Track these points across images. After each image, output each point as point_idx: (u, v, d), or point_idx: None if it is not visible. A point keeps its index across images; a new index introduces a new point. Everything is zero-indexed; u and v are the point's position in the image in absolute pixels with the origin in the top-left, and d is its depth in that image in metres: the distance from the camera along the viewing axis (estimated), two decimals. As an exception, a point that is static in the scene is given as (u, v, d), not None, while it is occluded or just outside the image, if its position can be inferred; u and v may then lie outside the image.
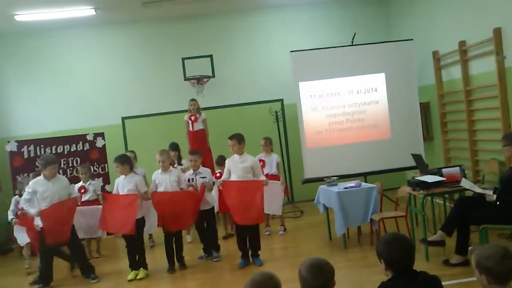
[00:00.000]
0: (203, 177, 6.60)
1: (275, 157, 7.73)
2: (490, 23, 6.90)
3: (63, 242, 6.25)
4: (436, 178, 5.64)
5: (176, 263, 6.44)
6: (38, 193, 6.08)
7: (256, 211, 6.19)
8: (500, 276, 2.50)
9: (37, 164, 8.30)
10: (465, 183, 5.49)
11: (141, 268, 6.35)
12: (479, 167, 7.50)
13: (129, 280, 6.20)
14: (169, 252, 6.43)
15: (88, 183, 7.31)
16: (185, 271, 6.34)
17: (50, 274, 6.25)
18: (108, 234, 7.51)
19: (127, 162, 6.43)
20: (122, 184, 6.36)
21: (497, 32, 6.80)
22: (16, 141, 8.58)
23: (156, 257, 6.96)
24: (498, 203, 5.02)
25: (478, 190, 5.36)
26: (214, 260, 6.54)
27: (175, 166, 7.75)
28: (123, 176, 6.40)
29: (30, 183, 6.23)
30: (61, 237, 6.12)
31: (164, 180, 6.36)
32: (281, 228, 7.81)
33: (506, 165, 6.10)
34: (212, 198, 6.79)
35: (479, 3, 7.27)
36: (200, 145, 8.27)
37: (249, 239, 6.35)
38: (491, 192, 5.17)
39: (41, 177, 6.19)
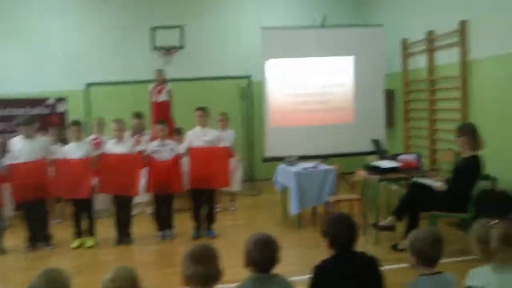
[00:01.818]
0: (170, 149, 6.43)
1: (230, 133, 7.71)
2: (457, 15, 6.99)
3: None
4: (392, 164, 5.74)
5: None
6: (15, 151, 6.12)
7: (223, 176, 6.30)
8: (427, 258, 2.67)
9: None
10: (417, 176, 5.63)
11: (90, 237, 6.28)
12: (436, 156, 7.67)
13: (74, 248, 6.12)
14: (118, 222, 6.35)
15: (55, 146, 7.17)
16: (135, 244, 6.28)
17: None
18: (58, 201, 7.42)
19: (82, 128, 6.43)
20: (73, 151, 6.25)
21: (463, 24, 6.89)
22: (-27, 101, 8.34)
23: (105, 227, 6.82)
24: (446, 191, 5.16)
25: (427, 182, 5.47)
26: (168, 238, 6.40)
27: (138, 135, 7.70)
28: (73, 143, 6.32)
29: (11, 142, 6.30)
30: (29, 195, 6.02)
31: (117, 151, 6.29)
32: (232, 204, 7.84)
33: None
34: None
35: (448, -7, 7.35)
36: (163, 116, 8.14)
37: (208, 209, 6.42)
38: (439, 184, 5.28)
39: (19, 137, 6.23)
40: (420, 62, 8.24)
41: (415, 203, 5.31)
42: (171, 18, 9.66)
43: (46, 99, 8.59)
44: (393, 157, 6.06)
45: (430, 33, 7.78)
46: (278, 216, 7.14)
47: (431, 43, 7.80)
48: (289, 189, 6.66)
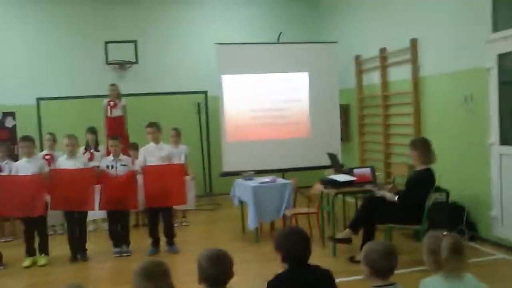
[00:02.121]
0: (123, 165, 6.28)
1: (183, 149, 7.61)
2: (408, 33, 7.21)
3: None
4: (347, 178, 5.81)
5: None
6: None
7: (179, 193, 6.20)
8: (379, 270, 2.68)
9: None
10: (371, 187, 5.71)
11: (42, 255, 6.06)
12: (390, 169, 7.82)
13: (26, 267, 5.89)
14: (71, 239, 6.16)
15: (5, 162, 6.89)
16: (90, 261, 6.11)
17: None
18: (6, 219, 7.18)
19: (34, 143, 6.23)
20: (25, 168, 6.02)
21: (414, 42, 7.12)
22: None
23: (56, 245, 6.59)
24: (399, 203, 5.26)
25: (381, 193, 5.56)
26: (124, 255, 6.22)
27: (91, 150, 7.54)
28: (25, 159, 6.10)
29: None
30: None
31: (70, 166, 6.11)
32: (185, 220, 7.76)
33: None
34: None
35: (399, 13, 7.58)
36: (117, 131, 8.00)
37: (165, 225, 6.33)
38: (394, 197, 5.38)
39: None
40: (373, 78, 8.43)
41: (370, 215, 5.37)
42: (125, 33, 9.57)
43: (-6, 113, 8.31)
44: (349, 171, 6.13)
45: (382, 50, 7.99)
46: (237, 231, 7.10)
47: (384, 60, 8.01)
48: (246, 203, 6.63)
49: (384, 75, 8.04)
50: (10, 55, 9.35)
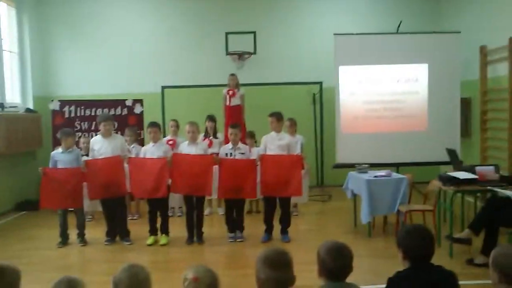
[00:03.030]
0: (241, 153, 6.45)
1: (299, 139, 7.68)
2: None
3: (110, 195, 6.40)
4: (468, 175, 5.55)
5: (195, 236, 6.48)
6: (95, 150, 6.47)
7: (295, 184, 6.24)
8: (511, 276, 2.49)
9: (75, 124, 8.62)
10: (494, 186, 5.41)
11: (163, 235, 6.47)
12: (515, 169, 7.34)
13: (148, 245, 6.35)
14: (189, 222, 6.47)
15: (132, 146, 7.50)
16: (205, 244, 6.40)
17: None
18: (132, 199, 7.75)
19: (160, 129, 6.63)
20: (151, 151, 6.46)
21: (550, 31, 6.57)
22: (59, 101, 8.86)
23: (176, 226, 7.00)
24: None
25: (507, 193, 5.25)
26: (238, 240, 6.44)
27: (210, 137, 7.86)
28: (151, 144, 6.52)
29: (90, 141, 6.74)
30: (104, 193, 6.34)
31: (191, 152, 6.38)
32: (295, 210, 7.80)
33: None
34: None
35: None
36: (235, 120, 8.28)
37: (281, 214, 6.44)
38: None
39: (98, 135, 6.63)
40: (500, 69, 7.92)
41: (494, 217, 5.10)
42: (245, 24, 9.84)
43: (125, 100, 8.95)
44: (470, 168, 5.85)
45: (512, 40, 7.48)
46: (348, 224, 7.08)
47: (513, 50, 7.49)
48: (360, 196, 6.59)
49: (512, 66, 7.53)
50: (138, 47, 10.05)
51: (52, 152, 6.59)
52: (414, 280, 2.71)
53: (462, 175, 5.60)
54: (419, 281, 2.70)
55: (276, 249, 2.64)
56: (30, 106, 9.39)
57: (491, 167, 5.90)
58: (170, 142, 7.44)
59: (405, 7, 10.04)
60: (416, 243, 2.77)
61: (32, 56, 9.56)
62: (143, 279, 2.45)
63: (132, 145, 7.55)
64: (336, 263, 2.60)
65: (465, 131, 8.88)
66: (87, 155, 6.85)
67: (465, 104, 8.84)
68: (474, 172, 5.70)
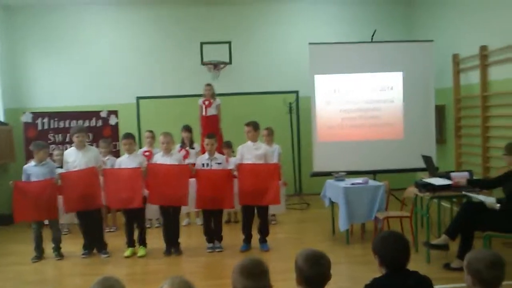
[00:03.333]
0: (218, 163, 6.44)
1: (276, 148, 7.72)
2: (512, 30, 6.82)
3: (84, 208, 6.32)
4: (443, 182, 5.61)
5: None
6: (69, 163, 6.37)
7: (273, 193, 6.25)
8: (484, 280, 2.56)
9: (49, 137, 8.48)
10: (468, 191, 5.47)
11: (141, 246, 6.40)
12: (489, 174, 7.45)
13: (126, 257, 6.26)
14: (167, 233, 6.42)
15: (107, 158, 7.40)
16: (184, 254, 6.34)
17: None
18: (109, 211, 7.67)
19: (135, 140, 6.59)
20: (125, 163, 6.39)
21: (519, 39, 6.72)
22: (31, 113, 8.70)
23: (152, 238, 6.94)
24: (501, 210, 5.01)
25: (479, 197, 5.32)
26: (217, 250, 6.40)
27: (187, 148, 7.82)
28: (126, 155, 6.46)
29: (64, 153, 6.63)
30: (80, 205, 6.24)
31: (165, 163, 6.35)
32: (273, 218, 7.82)
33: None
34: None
35: (503, 8, 7.18)
36: (212, 130, 8.26)
37: (259, 223, 6.42)
38: (493, 200, 5.13)
39: (72, 148, 6.54)
40: (472, 77, 8.06)
41: (469, 222, 5.16)
42: (220, 34, 9.83)
43: (99, 111, 8.85)
44: (445, 175, 5.92)
45: (483, 48, 7.62)
46: (326, 232, 7.08)
47: (484, 58, 7.63)
48: (337, 204, 6.61)
49: (484, 74, 7.66)
50: (112, 57, 9.95)
51: (25, 166, 6.46)
52: (389, 286, 2.75)
53: (437, 181, 5.66)
54: (395, 287, 2.72)
55: (252, 259, 2.62)
56: (1, 118, 9.20)
57: (466, 173, 5.97)
58: (146, 154, 7.38)
59: (379, 16, 10.17)
60: (391, 249, 2.80)
61: (2, 67, 9.37)
62: None
63: (107, 157, 7.46)
64: (314, 271, 2.61)
65: (440, 138, 9.00)
66: (61, 167, 6.73)
67: (440, 111, 8.97)
68: (449, 178, 5.76)
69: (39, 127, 8.57)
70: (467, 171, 6.13)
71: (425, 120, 8.66)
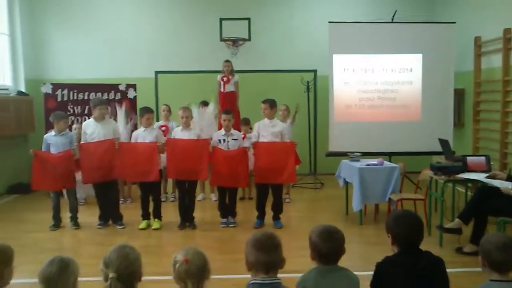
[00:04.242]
0: (234, 139, 6.45)
1: (290, 125, 7.85)
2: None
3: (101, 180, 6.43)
4: (478, 176, 5.48)
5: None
6: (87, 134, 6.46)
7: (288, 171, 6.30)
8: (495, 262, 2.59)
9: (68, 108, 8.56)
10: (477, 176, 5.41)
11: (156, 219, 6.48)
12: (507, 160, 7.39)
13: (141, 229, 6.37)
14: (182, 207, 6.50)
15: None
16: (198, 229, 6.41)
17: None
18: (125, 183, 7.81)
19: (152, 115, 6.60)
20: (142, 136, 6.44)
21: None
22: (51, 84, 8.77)
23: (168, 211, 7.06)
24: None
25: (495, 182, 5.27)
26: (230, 225, 6.48)
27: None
28: (142, 128, 6.52)
29: (83, 125, 6.70)
30: (98, 176, 6.36)
31: (184, 137, 6.37)
32: (287, 197, 7.86)
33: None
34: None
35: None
36: (229, 106, 8.29)
37: (273, 201, 6.47)
38: (509, 185, 5.09)
39: (91, 119, 6.60)
40: (494, 61, 7.95)
41: (483, 207, 5.14)
42: (239, 10, 9.77)
43: (118, 84, 8.90)
44: (461, 159, 5.88)
45: (507, 31, 7.49)
46: (340, 211, 7.12)
47: (507, 41, 7.50)
48: (352, 185, 6.62)
49: (506, 58, 7.54)
50: (131, 31, 9.99)
51: (45, 135, 6.56)
52: (401, 265, 2.75)
53: (474, 175, 5.48)
54: (407, 266, 2.72)
55: (265, 232, 2.66)
56: (22, 89, 9.33)
57: (482, 158, 5.93)
58: (163, 128, 7.45)
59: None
60: (404, 227, 2.80)
61: (24, 38, 9.47)
62: (133, 260, 2.45)
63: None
64: (328, 246, 2.64)
65: (458, 122, 8.93)
66: (78, 141, 6.81)
67: (459, 95, 8.88)
68: (465, 163, 5.73)
69: (59, 98, 8.63)
70: (484, 155, 6.08)
71: (443, 103, 8.60)
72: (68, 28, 9.92)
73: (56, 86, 8.70)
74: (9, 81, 9.30)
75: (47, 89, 8.65)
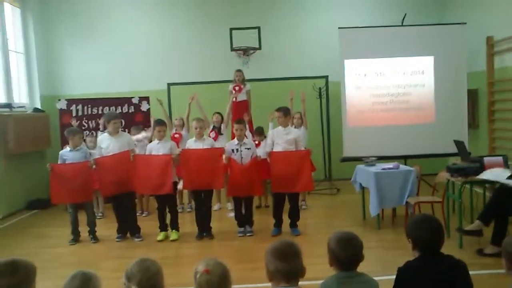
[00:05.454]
0: (247, 148, 6.47)
1: (304, 131, 7.87)
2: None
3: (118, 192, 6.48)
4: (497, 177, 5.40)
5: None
6: (103, 148, 6.52)
7: (305, 179, 6.32)
8: None
9: (83, 123, 8.65)
10: (490, 175, 5.34)
11: (173, 230, 6.52)
12: (524, 159, 7.31)
13: (159, 241, 6.40)
14: (199, 217, 6.53)
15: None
16: (215, 239, 6.44)
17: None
18: (142, 196, 7.86)
19: (165, 127, 6.67)
20: (156, 149, 6.49)
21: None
22: (66, 100, 8.89)
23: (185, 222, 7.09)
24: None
25: (503, 181, 5.20)
26: (248, 234, 6.50)
27: (216, 131, 7.89)
28: (156, 141, 6.56)
29: (98, 139, 6.79)
30: (115, 188, 6.41)
31: (198, 148, 6.42)
32: (303, 203, 7.85)
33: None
34: None
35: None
36: (242, 115, 8.32)
37: (290, 208, 6.48)
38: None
39: (105, 133, 6.66)
40: (507, 60, 7.90)
41: (503, 207, 5.09)
42: (249, 19, 9.83)
43: (131, 98, 8.98)
44: (478, 160, 5.83)
45: (518, 30, 7.45)
46: (357, 217, 7.10)
47: (519, 40, 7.46)
48: (368, 189, 6.60)
49: (519, 57, 7.51)
50: (143, 44, 10.11)
51: (61, 151, 6.65)
52: (423, 269, 2.73)
53: (495, 176, 5.38)
54: (429, 270, 2.71)
55: (284, 241, 2.66)
56: (38, 105, 9.46)
57: (499, 158, 5.87)
58: (176, 136, 7.53)
59: (410, -1, 10.02)
60: (424, 232, 2.79)
61: (38, 56, 9.63)
62: (155, 272, 2.47)
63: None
64: (346, 253, 2.64)
65: (473, 123, 8.87)
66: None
67: (472, 95, 8.82)
68: (482, 163, 5.67)
69: (74, 113, 8.74)
70: (501, 155, 6.02)
71: (457, 104, 8.55)
72: (81, 44, 10.07)
73: (71, 102, 8.83)
74: (25, 98, 9.44)
75: (62, 105, 8.77)
